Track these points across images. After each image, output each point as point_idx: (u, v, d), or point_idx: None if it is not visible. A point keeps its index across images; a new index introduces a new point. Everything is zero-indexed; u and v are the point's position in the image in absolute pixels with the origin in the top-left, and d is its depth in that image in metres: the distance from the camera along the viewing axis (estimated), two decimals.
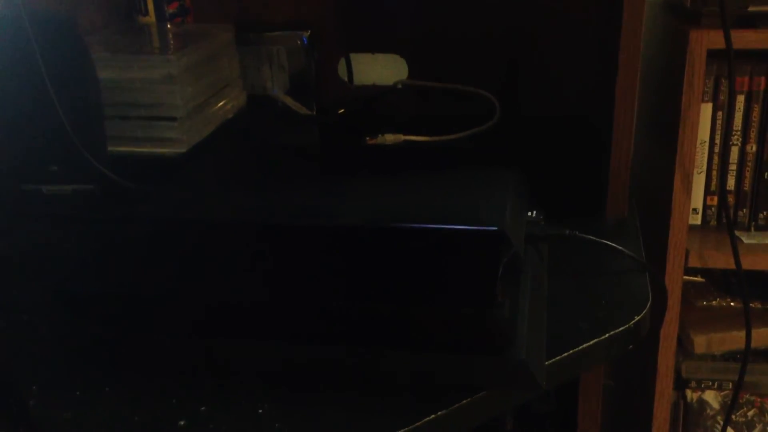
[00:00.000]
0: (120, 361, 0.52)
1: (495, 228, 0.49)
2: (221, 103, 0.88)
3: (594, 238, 0.61)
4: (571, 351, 0.52)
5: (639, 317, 0.55)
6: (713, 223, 0.84)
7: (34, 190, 0.73)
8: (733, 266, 0.76)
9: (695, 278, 0.91)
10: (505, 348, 0.48)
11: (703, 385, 0.90)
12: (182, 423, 0.46)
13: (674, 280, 0.76)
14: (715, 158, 0.82)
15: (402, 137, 0.86)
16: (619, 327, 0.54)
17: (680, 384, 0.90)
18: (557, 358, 0.51)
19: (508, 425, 0.64)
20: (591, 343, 0.53)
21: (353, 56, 1.00)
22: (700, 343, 0.86)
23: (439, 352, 0.48)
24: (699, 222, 0.84)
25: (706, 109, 0.80)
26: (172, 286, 0.52)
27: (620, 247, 0.61)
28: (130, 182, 0.71)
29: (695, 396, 0.89)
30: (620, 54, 0.62)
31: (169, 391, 0.49)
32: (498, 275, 0.50)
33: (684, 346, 0.88)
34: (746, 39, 0.73)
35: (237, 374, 0.50)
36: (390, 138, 0.86)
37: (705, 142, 0.81)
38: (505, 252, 0.51)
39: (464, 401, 0.48)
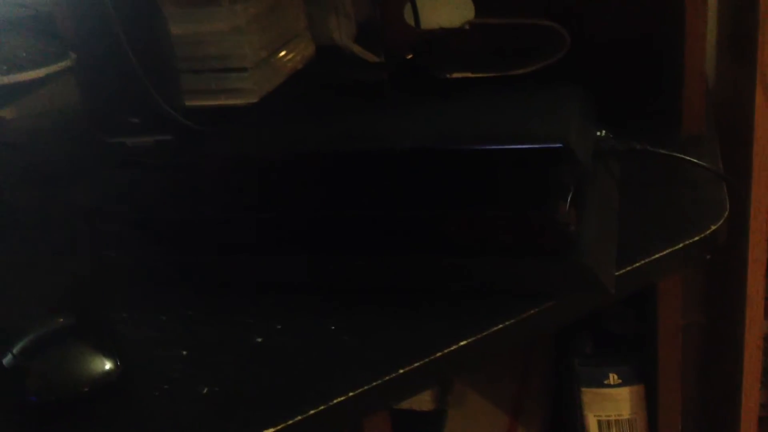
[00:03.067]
0: (200, 285, 0.54)
1: (560, 144, 0.49)
2: (290, 54, 0.90)
3: (667, 151, 0.59)
4: (643, 260, 0.51)
5: (715, 226, 0.53)
6: None
7: (118, 143, 0.77)
8: None
9: None
10: (571, 253, 0.47)
11: None
12: (259, 340, 0.49)
13: (759, 198, 0.73)
14: None
15: (470, 75, 0.85)
16: (694, 236, 0.53)
17: None
18: (628, 267, 0.50)
19: (587, 348, 0.63)
20: (664, 252, 0.52)
21: (418, 0, 0.99)
22: None
23: (506, 259, 0.48)
24: None
25: None
26: (246, 211, 0.54)
27: (695, 159, 0.59)
28: (206, 129, 0.73)
29: None
30: None
31: (245, 312, 0.51)
32: (564, 187, 0.49)
33: None
34: None
35: (308, 291, 0.51)
36: (458, 77, 0.85)
37: None
38: (571, 167, 0.51)
39: (532, 310, 0.48)
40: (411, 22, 1.00)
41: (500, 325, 0.47)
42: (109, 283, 0.57)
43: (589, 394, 0.62)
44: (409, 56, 0.96)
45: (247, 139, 0.59)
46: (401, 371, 0.44)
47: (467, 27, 0.98)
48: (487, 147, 0.51)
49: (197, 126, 0.73)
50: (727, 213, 0.55)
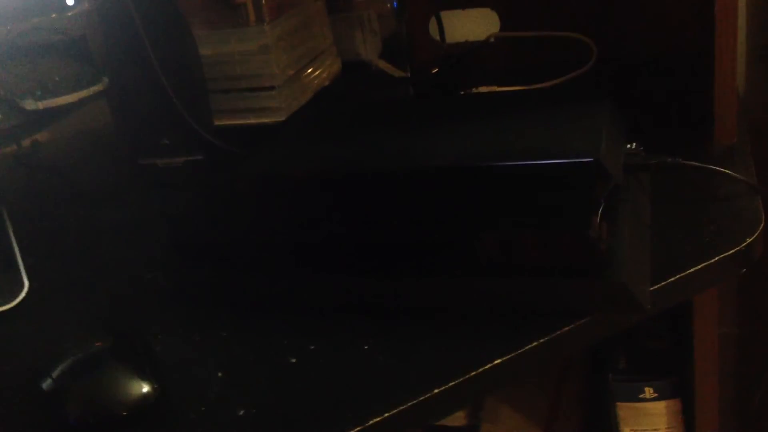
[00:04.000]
0: (233, 305, 0.55)
1: (590, 159, 0.49)
2: (317, 71, 0.91)
3: (698, 163, 0.59)
4: (677, 275, 0.51)
5: (751, 239, 0.53)
6: None
7: (149, 164, 0.78)
8: None
9: None
10: (605, 270, 0.47)
11: None
12: (293, 360, 0.49)
13: None
14: None
15: (496, 89, 0.85)
16: (729, 250, 0.52)
17: None
18: (663, 282, 0.50)
19: (620, 363, 0.63)
20: (699, 266, 0.51)
21: (443, 14, 1.00)
22: None
23: (539, 278, 0.48)
24: None
25: None
26: (279, 232, 0.55)
27: (727, 171, 0.58)
28: (235, 149, 0.74)
29: None
30: None
31: (279, 332, 0.52)
32: (596, 203, 0.49)
33: None
34: None
35: (341, 313, 0.52)
36: (484, 90, 0.86)
37: None
38: (602, 182, 0.51)
39: (566, 327, 0.48)
40: (436, 36, 1.00)
41: (534, 343, 0.47)
42: (145, 304, 0.58)
43: (624, 409, 0.61)
44: (435, 71, 0.97)
45: (277, 159, 0.60)
46: (436, 391, 0.44)
47: (492, 40, 0.98)
48: (516, 163, 0.51)
49: (227, 146, 0.74)
50: (762, 225, 0.54)
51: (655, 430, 0.61)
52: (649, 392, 0.60)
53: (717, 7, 0.61)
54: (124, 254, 0.65)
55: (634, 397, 0.60)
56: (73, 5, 0.73)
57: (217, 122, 0.82)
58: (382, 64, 0.96)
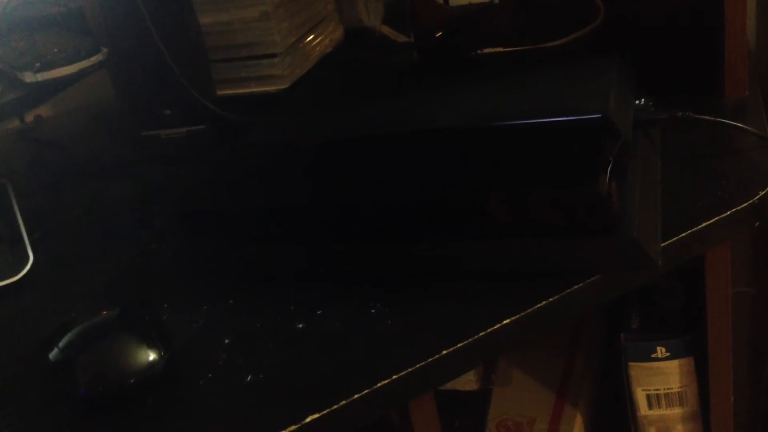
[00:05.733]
0: (240, 274, 0.55)
1: (599, 115, 0.48)
2: (319, 38, 0.89)
3: (709, 117, 0.58)
4: (689, 230, 0.50)
5: (763, 192, 0.52)
6: None
7: (153, 136, 0.77)
8: None
9: None
10: (615, 227, 0.46)
11: None
12: (300, 326, 0.48)
13: None
14: None
15: (502, 50, 0.84)
16: (742, 203, 0.51)
17: None
18: (674, 238, 0.49)
19: (632, 323, 0.62)
20: (711, 221, 0.50)
21: None
22: None
23: (549, 237, 0.47)
24: None
25: None
26: (285, 200, 0.54)
27: (739, 124, 0.57)
28: (238, 118, 0.74)
29: None
30: None
31: (286, 299, 0.51)
32: (605, 160, 0.48)
33: None
34: None
35: (349, 278, 0.51)
36: (489, 52, 0.84)
37: None
38: (611, 138, 0.50)
39: (576, 286, 0.47)
40: (439, 0, 0.98)
41: (543, 302, 0.46)
42: (152, 275, 0.57)
43: (636, 369, 0.61)
44: (439, 34, 0.95)
45: (282, 127, 0.59)
46: (445, 352, 0.44)
47: (497, 1, 0.96)
48: (523, 122, 0.50)
49: (230, 115, 0.74)
50: None
51: (668, 389, 0.61)
52: (661, 351, 0.59)
53: None
54: (129, 227, 0.65)
55: (647, 356, 0.60)
56: None
57: (219, 92, 0.81)
58: (386, 30, 0.94)
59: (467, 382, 0.69)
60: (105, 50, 0.72)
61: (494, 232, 0.49)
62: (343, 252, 0.52)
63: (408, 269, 0.51)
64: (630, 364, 0.61)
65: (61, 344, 0.43)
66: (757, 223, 0.51)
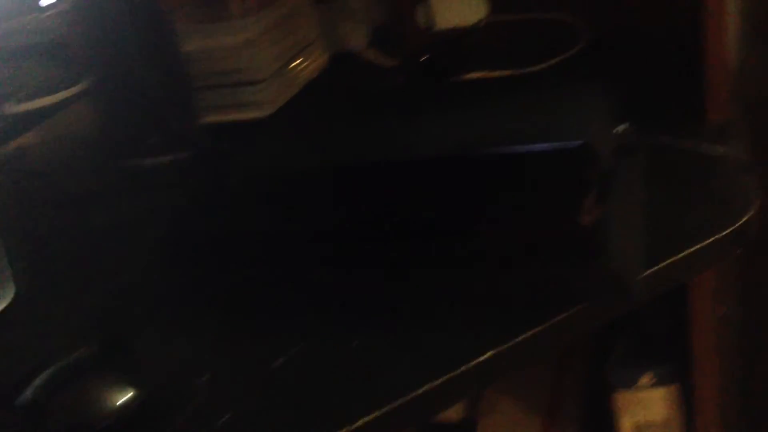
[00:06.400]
0: (222, 306, 0.54)
1: (580, 142, 0.48)
2: (304, 64, 0.89)
3: (692, 143, 0.58)
4: (671, 258, 0.49)
5: (746, 217, 0.52)
6: None
7: (136, 165, 0.77)
8: None
9: None
10: (598, 257, 0.46)
11: None
12: (281, 361, 0.48)
13: None
14: None
15: (485, 74, 0.84)
16: (724, 230, 0.51)
17: None
18: (656, 267, 0.49)
19: (618, 349, 0.62)
20: (693, 248, 0.50)
21: (431, 0, 0.98)
22: None
23: (529, 265, 0.47)
24: None
25: None
26: (269, 228, 0.54)
27: (721, 150, 0.57)
28: (222, 146, 0.73)
29: None
30: None
31: (268, 332, 0.51)
32: (585, 189, 0.48)
33: None
34: None
35: (330, 309, 0.51)
36: (475, 76, 0.84)
37: None
38: (592, 165, 0.49)
39: (560, 316, 0.46)
40: (425, 23, 0.98)
41: (528, 333, 0.46)
42: (133, 307, 0.57)
43: (623, 398, 0.60)
44: (424, 58, 0.95)
45: (266, 155, 0.59)
46: (427, 387, 0.43)
47: (482, 25, 0.97)
48: (504, 151, 0.50)
49: (214, 143, 0.73)
50: (759, 202, 0.53)
51: (653, 417, 0.60)
52: (647, 379, 0.59)
53: None
54: (112, 257, 0.64)
55: (633, 384, 0.59)
56: (51, 5, 0.72)
57: (204, 119, 0.81)
58: (371, 54, 0.95)
59: (453, 411, 0.69)
60: (87, 80, 0.72)
61: (474, 261, 0.49)
62: (325, 282, 0.51)
63: (389, 300, 0.50)
64: (616, 391, 0.60)
65: (33, 386, 0.42)
66: (740, 250, 0.51)
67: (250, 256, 0.54)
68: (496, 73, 0.84)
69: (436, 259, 0.49)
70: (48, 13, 0.72)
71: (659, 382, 0.59)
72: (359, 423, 0.42)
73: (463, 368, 0.44)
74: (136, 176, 0.75)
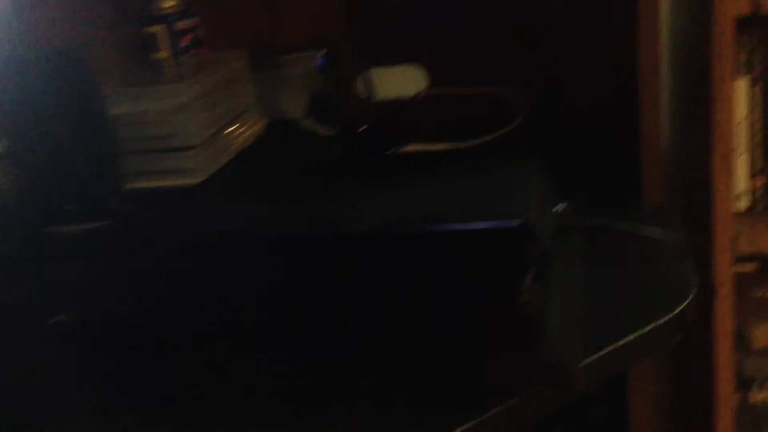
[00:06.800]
0: (140, 392, 0.50)
1: (518, 222, 0.46)
2: (240, 131, 0.87)
3: (629, 226, 0.57)
4: (611, 347, 0.48)
5: (684, 305, 0.51)
6: (763, 205, 0.79)
7: (54, 232, 0.72)
8: None
9: (748, 267, 0.85)
10: (535, 343, 0.44)
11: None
12: None
13: (723, 268, 0.71)
14: (757, 136, 0.77)
15: (424, 147, 0.83)
16: (663, 317, 0.50)
17: (743, 384, 0.83)
18: (595, 356, 0.47)
19: None
20: (632, 336, 0.49)
21: (371, 71, 0.98)
22: (759, 336, 0.79)
23: (463, 353, 0.45)
24: (747, 205, 0.78)
25: (741, 85, 0.75)
26: (191, 309, 0.50)
27: (658, 234, 0.57)
28: (145, 214, 0.70)
29: (760, 397, 0.83)
30: (639, 25, 0.58)
31: (186, 418, 0.47)
32: (524, 270, 0.46)
33: (743, 342, 0.82)
34: None
35: (252, 394, 0.47)
36: (413, 149, 0.84)
37: (743, 120, 0.76)
38: (530, 246, 0.48)
39: (497, 408, 0.44)
40: (363, 93, 0.98)
41: (461, 428, 0.43)
42: (42, 390, 0.52)
43: None
44: (362, 129, 0.94)
45: (187, 225, 0.56)
46: None
47: (421, 97, 0.97)
48: (440, 229, 0.48)
49: (136, 211, 0.70)
50: (695, 290, 0.52)
51: None
52: None
53: (640, 67, 0.60)
54: (24, 332, 0.59)
55: None
56: None
57: (131, 185, 0.77)
58: (309, 123, 0.93)
59: None
60: (5, 143, 0.68)
61: (405, 346, 0.46)
62: (242, 368, 0.48)
63: (310, 384, 0.47)
64: None
65: None
66: (678, 338, 0.50)
67: (167, 341, 0.50)
68: (435, 146, 0.83)
69: (361, 343, 0.47)
70: None
71: None
72: None
73: None
74: (54, 245, 0.71)
